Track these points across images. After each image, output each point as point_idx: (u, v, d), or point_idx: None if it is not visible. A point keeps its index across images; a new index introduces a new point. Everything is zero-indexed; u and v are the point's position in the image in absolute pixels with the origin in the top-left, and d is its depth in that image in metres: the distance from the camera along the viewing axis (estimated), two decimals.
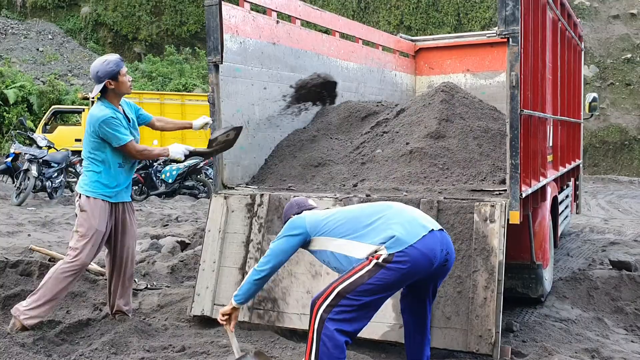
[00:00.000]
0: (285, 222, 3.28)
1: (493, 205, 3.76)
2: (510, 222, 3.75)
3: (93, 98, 4.17)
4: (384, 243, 2.88)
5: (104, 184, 4.12)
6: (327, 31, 6.42)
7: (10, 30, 29.78)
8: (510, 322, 4.37)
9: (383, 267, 2.84)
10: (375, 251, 2.89)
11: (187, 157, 4.35)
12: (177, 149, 4.25)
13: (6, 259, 5.35)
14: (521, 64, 3.70)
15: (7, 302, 4.59)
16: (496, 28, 3.80)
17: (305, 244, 3.17)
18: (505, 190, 3.85)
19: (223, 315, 3.27)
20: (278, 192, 4.53)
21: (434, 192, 4.17)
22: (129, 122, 4.23)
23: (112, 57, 4.10)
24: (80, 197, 4.13)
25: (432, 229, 2.95)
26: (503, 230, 3.71)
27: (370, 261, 2.87)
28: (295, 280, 4.16)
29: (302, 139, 5.41)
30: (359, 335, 3.01)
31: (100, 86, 4.03)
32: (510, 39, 3.66)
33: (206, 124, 4.51)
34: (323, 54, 6.05)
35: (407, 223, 2.94)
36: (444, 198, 3.94)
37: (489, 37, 7.88)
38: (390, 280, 2.85)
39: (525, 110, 3.84)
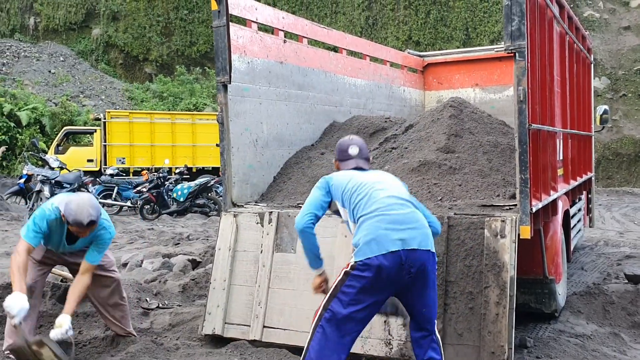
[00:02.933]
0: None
1: (503, 221, 3.73)
2: (521, 237, 3.72)
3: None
4: (356, 246, 3.03)
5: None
6: (334, 49, 6.46)
7: (23, 53, 30.24)
8: (523, 337, 4.31)
9: (349, 275, 2.97)
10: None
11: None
12: (11, 302, 3.63)
13: None
14: (528, 79, 3.70)
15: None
16: (504, 40, 3.80)
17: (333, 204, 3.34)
18: (516, 205, 3.83)
19: (317, 288, 3.38)
20: (287, 209, 4.53)
21: (444, 208, 4.15)
22: (68, 240, 4.00)
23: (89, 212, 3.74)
24: None
25: (400, 249, 2.95)
26: (514, 245, 3.68)
27: (342, 270, 3.03)
28: (306, 298, 4.14)
29: (310, 156, 5.42)
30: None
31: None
32: (517, 54, 3.66)
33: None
34: (330, 71, 6.09)
35: (382, 232, 2.99)
36: (455, 214, 3.92)
37: (497, 51, 7.89)
38: (357, 288, 2.95)
39: (533, 125, 3.82)
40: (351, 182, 3.25)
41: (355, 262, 2.99)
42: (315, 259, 3.33)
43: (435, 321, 3.19)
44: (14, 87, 26.00)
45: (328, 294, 3.07)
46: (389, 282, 2.99)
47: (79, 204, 3.73)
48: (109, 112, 18.54)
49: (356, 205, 3.15)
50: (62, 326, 3.78)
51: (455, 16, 26.32)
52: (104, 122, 17.62)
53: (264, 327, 4.24)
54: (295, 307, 4.19)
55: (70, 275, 4.85)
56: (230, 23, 4.64)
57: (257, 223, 4.49)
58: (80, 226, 3.72)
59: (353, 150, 3.48)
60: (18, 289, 3.68)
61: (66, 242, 4.02)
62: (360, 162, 3.46)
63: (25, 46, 30.97)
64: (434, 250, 3.11)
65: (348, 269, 3.02)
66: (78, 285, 3.99)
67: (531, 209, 3.76)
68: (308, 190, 4.94)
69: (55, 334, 3.77)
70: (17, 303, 3.62)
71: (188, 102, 26.15)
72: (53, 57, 30.68)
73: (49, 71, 29.33)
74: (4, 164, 22.50)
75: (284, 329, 4.18)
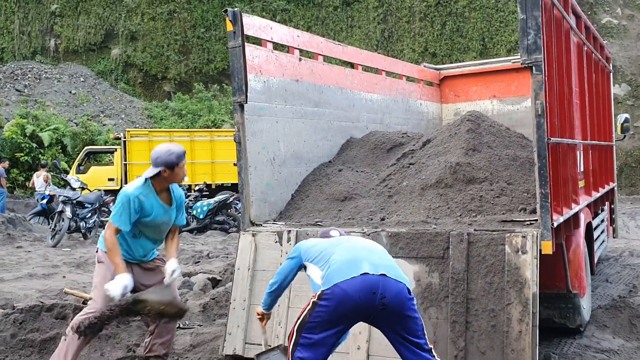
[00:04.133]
0: None
1: (524, 236, 3.68)
2: (542, 253, 3.67)
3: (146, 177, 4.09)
4: (322, 277, 3.01)
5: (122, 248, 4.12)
6: (350, 65, 6.48)
7: (44, 75, 30.81)
8: (548, 353, 4.23)
9: (317, 305, 2.93)
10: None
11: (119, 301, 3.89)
12: (118, 283, 3.85)
13: (42, 302, 5.42)
14: (546, 92, 3.66)
15: (43, 346, 4.65)
16: (520, 55, 3.78)
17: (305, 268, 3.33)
18: (537, 220, 3.78)
19: (258, 314, 3.66)
20: (305, 227, 4.52)
21: (463, 224, 4.11)
22: (166, 207, 4.16)
23: (176, 149, 4.06)
24: (98, 251, 4.22)
25: (367, 273, 2.88)
26: (536, 261, 3.63)
27: (311, 299, 2.99)
28: None
29: (327, 173, 5.42)
30: None
31: (156, 170, 4.00)
32: (534, 68, 3.63)
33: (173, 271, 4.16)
34: (346, 87, 6.10)
35: (345, 261, 2.97)
36: (474, 230, 3.88)
37: (514, 62, 7.84)
38: (324, 317, 2.91)
39: (552, 139, 3.78)
40: (320, 243, 3.30)
41: (322, 290, 2.93)
42: (271, 305, 3.60)
43: (430, 349, 3.00)
44: (35, 109, 26.46)
45: (298, 322, 3.05)
46: (355, 307, 2.88)
47: (163, 148, 4.04)
48: (129, 131, 18.75)
49: (324, 254, 3.13)
50: (168, 270, 4.06)
51: (471, 27, 26.27)
52: (124, 141, 17.83)
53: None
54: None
55: (84, 295, 4.88)
56: (245, 43, 4.67)
57: (276, 242, 4.48)
58: (181, 157, 4.03)
59: (335, 232, 3.51)
60: (123, 271, 3.88)
61: (152, 207, 4.07)
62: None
63: (46, 68, 31.57)
64: (408, 286, 2.96)
65: (315, 298, 2.95)
66: (174, 240, 4.30)
67: (552, 224, 3.71)
68: (326, 208, 4.97)
69: (167, 278, 4.06)
70: (121, 282, 3.83)
71: (206, 119, 26.38)
72: (73, 77, 31.22)
73: (70, 92, 29.83)
74: (27, 184, 22.84)
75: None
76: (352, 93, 6.17)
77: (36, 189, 14.56)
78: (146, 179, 4.05)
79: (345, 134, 6.02)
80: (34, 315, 5.01)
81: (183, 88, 30.63)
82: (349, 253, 3.04)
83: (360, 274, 2.88)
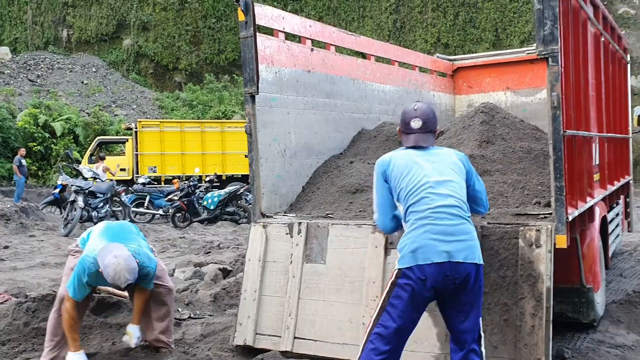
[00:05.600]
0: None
1: (538, 230, 3.63)
2: (557, 247, 3.62)
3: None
4: (400, 251, 3.03)
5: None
6: (362, 55, 6.42)
7: (56, 65, 30.94)
8: (561, 348, 4.19)
9: (396, 285, 2.97)
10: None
11: None
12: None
13: (54, 291, 5.44)
14: (562, 84, 3.60)
15: None
16: (535, 44, 3.71)
17: None
18: (551, 213, 3.73)
19: None
20: (316, 219, 4.50)
21: (476, 217, 4.06)
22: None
23: (121, 278, 3.80)
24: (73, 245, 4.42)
25: (445, 262, 2.93)
26: (550, 255, 3.58)
27: (389, 281, 3.05)
28: (337, 308, 4.10)
29: (338, 165, 5.38)
30: None
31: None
32: (550, 59, 3.56)
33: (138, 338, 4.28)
34: (358, 78, 6.04)
35: (428, 242, 2.96)
36: (488, 223, 3.83)
37: (528, 53, 7.74)
38: (404, 300, 2.95)
39: (568, 131, 3.72)
40: (409, 177, 3.15)
41: (399, 269, 3.00)
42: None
43: (480, 337, 3.12)
44: (48, 99, 26.62)
45: (377, 307, 3.05)
46: (433, 291, 2.98)
47: (117, 270, 3.75)
48: (140, 121, 18.82)
49: (409, 207, 3.10)
50: (132, 335, 4.21)
51: (485, 17, 26.02)
52: (136, 132, 17.90)
53: (295, 338, 4.21)
54: (325, 318, 4.15)
55: (113, 289, 4.91)
56: (257, 33, 4.62)
57: (287, 234, 4.47)
58: (118, 288, 3.98)
59: (415, 124, 3.32)
60: (77, 349, 4.00)
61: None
62: (421, 139, 3.30)
63: (58, 58, 31.71)
64: (481, 262, 3.06)
65: (394, 278, 3.01)
66: (140, 297, 4.29)
67: (567, 218, 3.65)
68: (337, 200, 4.93)
69: (126, 341, 4.25)
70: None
71: (217, 110, 26.41)
72: (85, 68, 31.35)
73: (82, 82, 29.96)
74: (39, 173, 23.02)
75: (315, 340, 4.14)
76: (364, 84, 6.11)
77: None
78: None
79: (356, 125, 5.97)
80: (47, 304, 5.02)
81: (194, 79, 30.67)
82: (430, 230, 3.00)
83: (435, 263, 2.95)
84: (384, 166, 3.29)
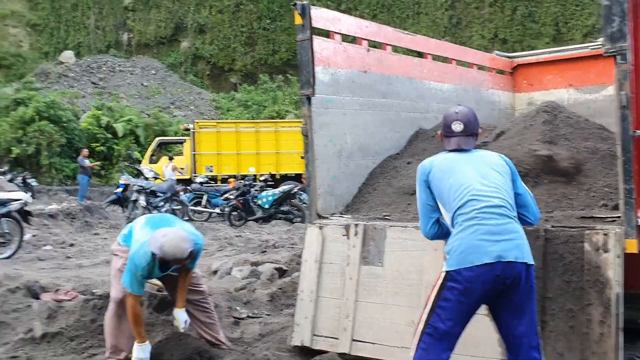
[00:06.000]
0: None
1: (606, 234, 3.49)
2: (626, 252, 3.47)
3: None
4: (448, 253, 2.98)
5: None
6: (419, 54, 6.34)
7: (118, 68, 31.98)
8: (632, 357, 4.03)
9: (444, 287, 2.92)
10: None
11: None
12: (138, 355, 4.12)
13: None
14: (632, 82, 3.44)
15: None
16: (601, 40, 3.57)
17: None
18: (619, 216, 3.57)
19: None
20: (373, 221, 4.47)
21: (540, 220, 3.94)
22: (163, 270, 4.16)
23: (179, 253, 3.90)
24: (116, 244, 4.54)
25: (495, 262, 2.85)
26: (619, 260, 3.44)
27: (437, 282, 2.99)
28: (395, 311, 4.07)
29: (395, 165, 5.33)
30: None
31: (156, 255, 3.95)
32: (618, 57, 3.42)
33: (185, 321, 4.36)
34: (415, 77, 5.97)
35: (476, 242, 2.89)
36: (552, 226, 3.72)
37: (592, 49, 7.46)
38: (452, 302, 2.90)
39: (638, 131, 3.56)
40: (452, 180, 3.10)
41: (447, 271, 2.94)
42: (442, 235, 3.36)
43: (538, 344, 3.02)
44: (110, 100, 27.55)
45: (427, 309, 3.01)
46: (483, 293, 2.91)
47: (173, 244, 3.85)
48: (198, 122, 19.23)
49: (456, 211, 3.05)
50: (180, 319, 4.31)
51: (545, 11, 25.27)
52: (193, 132, 18.30)
53: (353, 340, 4.20)
54: (384, 320, 4.12)
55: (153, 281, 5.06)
56: (313, 36, 4.65)
57: (343, 235, 4.46)
58: (182, 261, 3.96)
59: (457, 127, 3.27)
60: (143, 340, 4.13)
61: (160, 271, 4.16)
62: (463, 142, 3.25)
63: (119, 61, 32.78)
64: (531, 262, 2.97)
65: (442, 280, 2.97)
66: (183, 280, 4.37)
67: (637, 221, 3.50)
68: (394, 202, 4.89)
69: (175, 327, 4.33)
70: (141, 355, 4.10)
71: (271, 110, 26.71)
72: (145, 70, 32.27)
73: (142, 84, 30.87)
74: (102, 173, 23.86)
75: (373, 343, 4.12)
76: (421, 83, 6.04)
77: (166, 178, 15.07)
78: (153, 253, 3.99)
79: (413, 125, 5.91)
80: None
81: (249, 79, 31.12)
82: (478, 230, 2.95)
83: (485, 264, 2.88)
84: (425, 172, 3.24)
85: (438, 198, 3.18)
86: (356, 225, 4.41)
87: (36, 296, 5.59)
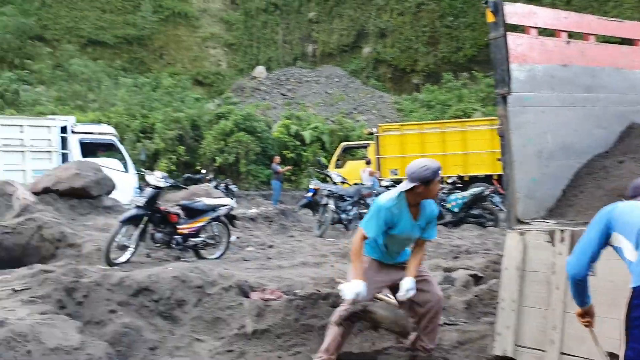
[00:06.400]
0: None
1: None
2: None
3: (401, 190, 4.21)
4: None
5: (373, 250, 4.42)
6: (628, 42, 5.75)
7: (304, 79, 33.79)
8: None
9: (631, 307, 2.76)
10: None
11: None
12: (351, 288, 4.09)
13: (318, 290, 5.91)
14: None
15: (321, 332, 5.04)
16: None
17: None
18: None
19: (579, 316, 3.28)
20: (581, 226, 4.14)
21: None
22: (413, 222, 4.23)
23: (432, 165, 4.12)
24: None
25: None
26: None
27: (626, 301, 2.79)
28: (610, 325, 3.71)
29: (605, 165, 4.89)
30: None
31: (411, 185, 4.09)
32: None
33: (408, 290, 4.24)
34: (624, 67, 5.43)
35: None
36: None
37: None
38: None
39: None
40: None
41: (632, 288, 2.78)
42: (581, 300, 3.16)
43: None
44: (298, 110, 29.19)
45: (623, 329, 2.83)
46: None
47: (419, 163, 4.11)
48: (381, 126, 19.49)
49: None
50: (405, 287, 4.20)
51: None
52: (377, 136, 18.58)
53: (561, 354, 3.94)
54: (598, 334, 3.79)
55: (390, 300, 5.15)
56: (507, 32, 4.47)
57: (547, 242, 4.20)
58: (436, 174, 4.08)
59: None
60: (359, 277, 4.13)
61: (411, 220, 4.24)
62: None
63: (305, 72, 34.60)
64: None
65: (629, 298, 2.81)
66: (417, 255, 4.39)
67: None
68: (605, 205, 4.47)
69: (400, 294, 4.25)
70: (354, 288, 4.06)
71: (456, 109, 26.16)
72: (329, 79, 33.66)
73: (326, 92, 32.24)
74: (292, 178, 25.33)
75: (586, 358, 3.82)
76: (632, 73, 5.46)
77: (363, 183, 15.79)
78: (400, 192, 4.13)
79: (624, 119, 5.37)
80: (312, 302, 5.48)
81: (431, 79, 30.85)
82: None
83: None
84: (610, 213, 3.00)
85: (623, 232, 2.95)
86: (562, 230, 4.13)
87: (246, 295, 6.05)
